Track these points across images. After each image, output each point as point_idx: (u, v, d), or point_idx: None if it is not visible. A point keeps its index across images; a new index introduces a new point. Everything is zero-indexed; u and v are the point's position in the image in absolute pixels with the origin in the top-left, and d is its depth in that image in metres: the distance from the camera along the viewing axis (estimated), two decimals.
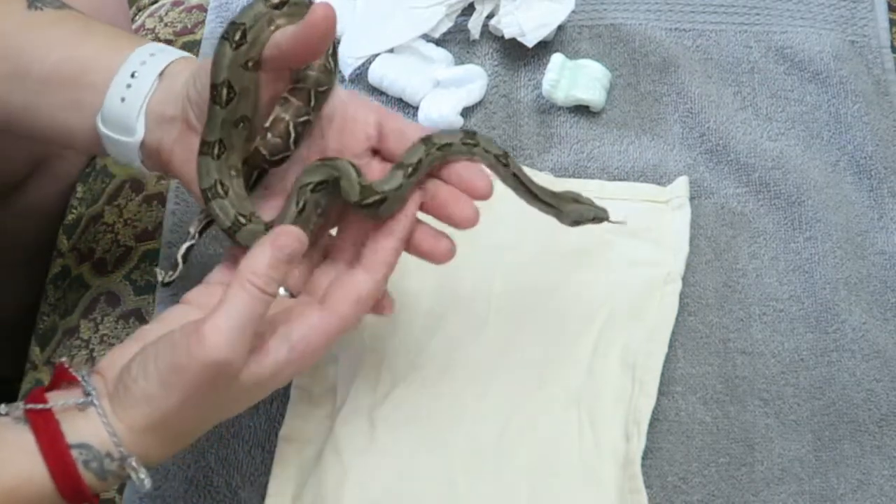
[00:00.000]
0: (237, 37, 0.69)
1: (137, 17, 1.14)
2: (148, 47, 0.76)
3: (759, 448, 0.82)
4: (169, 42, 1.08)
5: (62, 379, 0.68)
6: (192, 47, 1.06)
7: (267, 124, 0.73)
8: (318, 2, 0.69)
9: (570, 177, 0.94)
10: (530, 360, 0.84)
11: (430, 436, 0.80)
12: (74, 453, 0.64)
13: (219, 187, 0.72)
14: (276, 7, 0.71)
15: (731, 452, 0.82)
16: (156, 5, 1.14)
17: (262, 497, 0.79)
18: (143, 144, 0.75)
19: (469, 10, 1.02)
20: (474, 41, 1.02)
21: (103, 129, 0.75)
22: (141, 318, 0.90)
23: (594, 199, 0.78)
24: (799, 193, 0.93)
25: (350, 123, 0.75)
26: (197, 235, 0.77)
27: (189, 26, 1.09)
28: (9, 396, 0.95)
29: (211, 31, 1.06)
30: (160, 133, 0.75)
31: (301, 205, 0.71)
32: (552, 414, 0.81)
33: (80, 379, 0.66)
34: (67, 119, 0.77)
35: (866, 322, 0.87)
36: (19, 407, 0.66)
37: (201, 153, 0.72)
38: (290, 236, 0.66)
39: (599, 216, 0.77)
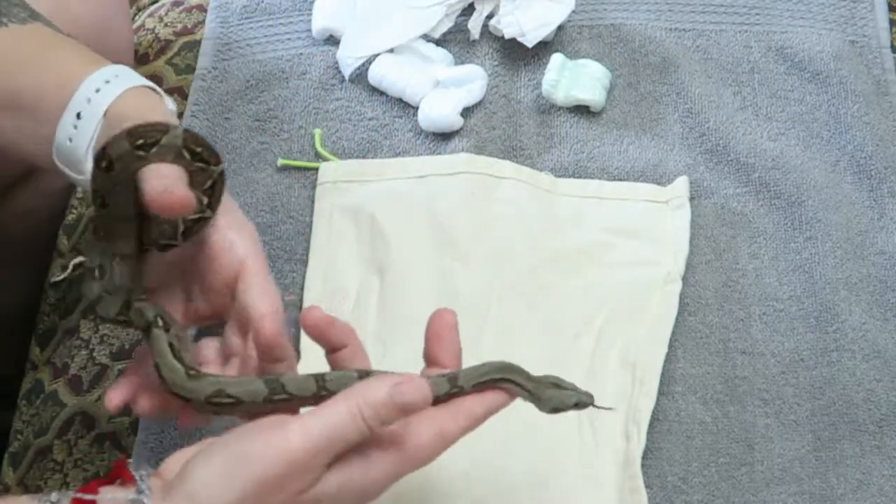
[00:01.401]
0: (103, 164, 0.68)
1: (137, 17, 1.14)
2: (102, 73, 0.74)
3: (759, 448, 0.82)
4: (169, 42, 1.08)
5: (120, 475, 0.64)
6: (193, 47, 1.06)
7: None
8: (182, 193, 0.67)
9: (570, 177, 0.94)
10: (530, 360, 0.84)
11: None
12: None
13: (97, 271, 0.71)
14: (142, 148, 0.68)
15: (731, 452, 0.82)
16: (156, 5, 1.14)
17: None
18: None
19: (469, 10, 1.02)
20: (474, 41, 1.02)
21: (58, 163, 0.75)
22: None
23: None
24: (799, 193, 0.93)
25: (212, 261, 0.71)
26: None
27: (189, 26, 1.09)
28: (9, 396, 0.95)
29: (211, 30, 1.06)
30: None
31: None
32: (552, 414, 0.81)
33: (137, 478, 0.63)
34: (27, 146, 0.76)
35: (866, 322, 0.87)
36: (68, 495, 0.63)
37: (91, 231, 0.71)
38: (414, 388, 0.62)
39: (583, 402, 0.71)
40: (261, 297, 0.69)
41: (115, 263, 0.72)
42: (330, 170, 0.95)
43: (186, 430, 0.79)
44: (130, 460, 0.65)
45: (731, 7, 1.05)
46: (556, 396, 0.71)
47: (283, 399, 0.65)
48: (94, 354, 0.89)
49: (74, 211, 1.01)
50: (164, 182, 0.67)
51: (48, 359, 0.92)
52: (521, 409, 0.81)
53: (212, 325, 0.74)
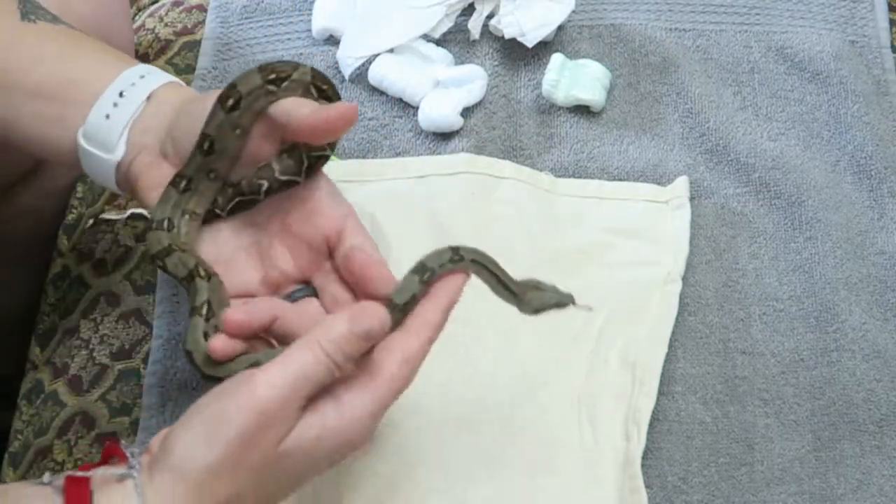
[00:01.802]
0: (230, 103, 0.69)
1: (137, 17, 1.14)
2: (138, 69, 0.76)
3: (759, 448, 0.82)
4: (169, 42, 1.08)
5: (112, 454, 0.65)
6: (193, 47, 1.06)
7: (261, 165, 0.72)
8: (345, 104, 0.68)
9: (570, 177, 0.94)
10: (530, 361, 0.84)
11: (430, 436, 0.80)
12: None
13: (165, 223, 0.72)
14: (273, 83, 0.70)
15: (731, 452, 0.82)
16: (156, 5, 1.14)
17: None
18: (119, 165, 0.75)
19: (469, 10, 1.02)
20: (474, 41, 1.02)
21: (84, 144, 0.75)
22: (141, 318, 0.90)
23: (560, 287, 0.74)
24: (799, 193, 0.93)
25: (315, 215, 0.73)
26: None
27: (189, 26, 1.09)
28: (9, 396, 0.95)
29: (211, 30, 1.06)
30: (135, 155, 0.74)
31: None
32: (552, 414, 0.81)
33: (128, 455, 0.64)
34: (49, 133, 0.77)
35: (866, 322, 0.87)
36: (61, 477, 0.64)
37: (171, 183, 0.72)
38: (371, 316, 0.63)
39: (562, 302, 0.73)
40: (368, 242, 0.72)
41: (184, 221, 0.72)
42: (330, 170, 0.95)
43: None
44: (123, 441, 0.66)
45: (731, 7, 1.05)
46: (536, 297, 0.72)
47: None
48: (94, 354, 0.89)
49: (74, 211, 1.01)
50: (312, 106, 0.69)
51: (48, 359, 0.92)
52: (522, 410, 0.81)
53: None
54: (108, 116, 0.74)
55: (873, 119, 0.97)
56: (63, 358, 0.91)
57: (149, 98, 0.75)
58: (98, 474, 0.63)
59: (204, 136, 0.70)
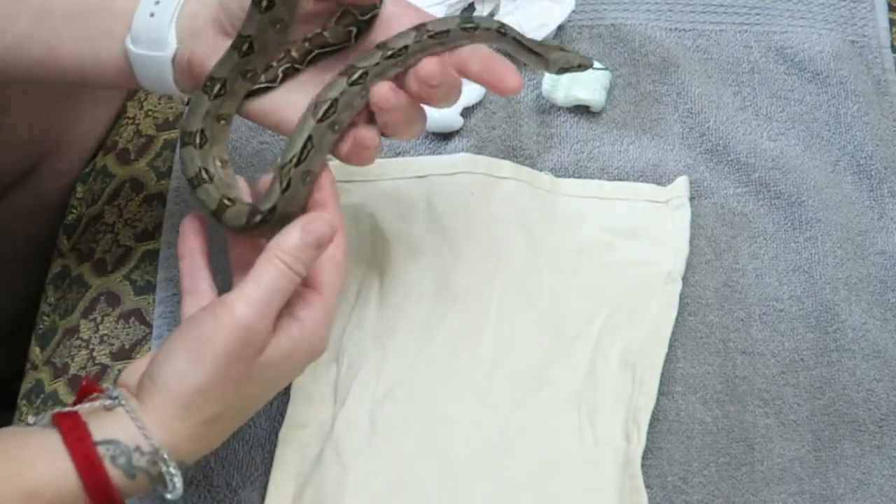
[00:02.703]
0: (264, 3, 0.70)
1: None
2: None
3: (759, 448, 0.82)
4: None
5: (87, 392, 0.68)
6: None
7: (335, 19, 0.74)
8: None
9: (570, 177, 0.94)
10: (530, 360, 0.84)
11: (430, 436, 0.80)
12: (101, 449, 0.64)
13: (203, 174, 0.73)
14: None
15: (731, 452, 0.82)
16: None
17: (262, 497, 0.79)
18: (175, 59, 0.75)
19: (469, 10, 1.02)
20: None
21: (133, 49, 0.75)
22: (141, 318, 0.90)
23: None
24: (799, 193, 0.93)
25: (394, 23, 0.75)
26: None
27: None
28: (9, 396, 0.95)
29: None
30: (191, 44, 0.75)
31: (285, 183, 0.71)
32: (552, 414, 0.81)
33: (103, 389, 0.67)
34: (95, 49, 0.77)
35: (866, 322, 0.87)
36: (46, 415, 0.66)
37: (183, 144, 0.74)
38: (322, 223, 0.68)
39: (585, 63, 0.79)
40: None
41: (217, 166, 0.74)
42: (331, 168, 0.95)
43: None
44: (86, 375, 0.69)
45: (731, 7, 1.05)
46: (562, 57, 0.78)
47: None
48: (94, 354, 0.89)
49: (74, 211, 1.01)
50: None
51: (48, 359, 0.92)
52: (522, 410, 0.81)
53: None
54: (152, 14, 0.75)
55: (873, 119, 0.97)
56: (63, 358, 0.91)
57: None
58: (85, 408, 0.66)
59: (241, 37, 0.71)
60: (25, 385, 0.92)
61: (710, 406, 0.84)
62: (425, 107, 0.76)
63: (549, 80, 0.97)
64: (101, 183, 1.01)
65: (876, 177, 0.95)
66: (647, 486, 0.79)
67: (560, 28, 1.02)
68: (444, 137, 0.97)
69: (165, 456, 0.65)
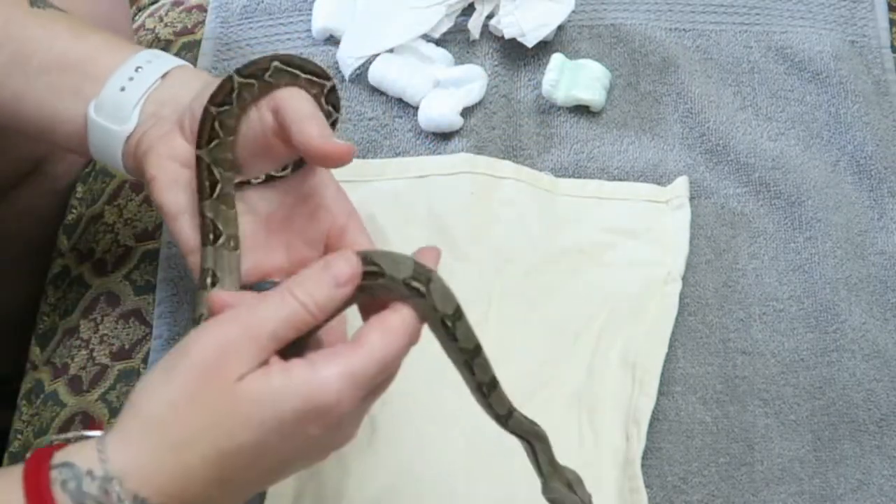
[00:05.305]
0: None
1: (137, 16, 1.14)
2: (153, 51, 0.78)
3: (759, 448, 0.82)
4: (169, 42, 1.08)
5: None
6: (192, 47, 1.06)
7: None
8: (343, 144, 0.69)
9: (570, 177, 0.94)
10: (530, 361, 0.84)
11: (430, 436, 0.80)
12: (54, 473, 0.58)
13: (208, 277, 0.71)
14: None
15: (731, 452, 0.82)
16: (156, 5, 1.14)
17: (262, 497, 0.79)
18: (129, 137, 0.75)
19: (469, 10, 1.02)
20: (474, 41, 1.02)
21: (94, 116, 0.75)
22: (141, 318, 0.90)
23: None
24: (799, 193, 0.93)
25: (321, 212, 0.74)
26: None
27: (189, 26, 1.09)
28: (9, 396, 0.96)
29: (211, 30, 1.06)
30: (148, 126, 0.75)
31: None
32: (552, 414, 0.81)
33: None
34: (57, 106, 0.77)
35: (866, 322, 0.87)
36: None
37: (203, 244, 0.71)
38: (346, 261, 0.61)
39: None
40: (368, 243, 0.74)
41: (225, 252, 0.72)
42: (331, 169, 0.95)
43: None
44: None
45: (731, 7, 1.05)
46: (560, 495, 0.68)
47: None
48: (94, 354, 0.89)
49: (74, 211, 1.01)
50: (323, 130, 0.69)
51: (48, 359, 0.92)
52: (522, 410, 0.81)
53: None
54: (123, 89, 0.75)
55: (873, 119, 0.98)
56: (63, 358, 0.91)
57: (164, 76, 0.76)
58: (73, 436, 0.66)
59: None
60: (25, 385, 0.92)
61: (710, 406, 0.84)
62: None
63: (549, 80, 0.97)
64: (101, 183, 1.01)
65: (876, 177, 0.95)
66: (647, 486, 0.79)
67: (560, 28, 1.02)
68: (444, 137, 0.97)
69: (117, 487, 0.58)
